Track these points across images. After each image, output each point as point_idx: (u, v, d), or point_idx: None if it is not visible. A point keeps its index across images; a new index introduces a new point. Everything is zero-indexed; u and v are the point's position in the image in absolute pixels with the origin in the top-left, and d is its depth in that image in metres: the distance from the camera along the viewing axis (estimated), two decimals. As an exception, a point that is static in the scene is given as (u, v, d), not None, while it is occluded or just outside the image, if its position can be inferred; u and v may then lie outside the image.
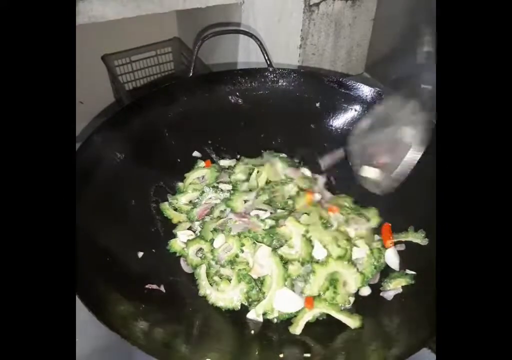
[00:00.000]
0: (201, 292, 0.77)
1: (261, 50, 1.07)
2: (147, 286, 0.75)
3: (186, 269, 0.83)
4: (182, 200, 0.93)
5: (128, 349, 0.59)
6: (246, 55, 1.40)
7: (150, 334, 0.64)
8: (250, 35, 1.07)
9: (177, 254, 0.84)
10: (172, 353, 0.63)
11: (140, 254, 0.80)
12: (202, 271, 0.79)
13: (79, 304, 0.57)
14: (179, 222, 0.90)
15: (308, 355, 0.67)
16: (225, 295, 0.76)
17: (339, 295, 0.74)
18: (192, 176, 0.96)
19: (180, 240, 0.85)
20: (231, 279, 0.78)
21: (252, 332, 0.73)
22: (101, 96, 1.85)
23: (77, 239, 0.58)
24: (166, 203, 0.92)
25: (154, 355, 0.58)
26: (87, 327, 0.62)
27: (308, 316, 0.73)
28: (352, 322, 0.71)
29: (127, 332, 0.60)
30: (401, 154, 0.78)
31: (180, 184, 0.96)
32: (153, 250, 0.83)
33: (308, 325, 0.73)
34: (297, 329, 0.72)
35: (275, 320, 0.75)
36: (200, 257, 0.82)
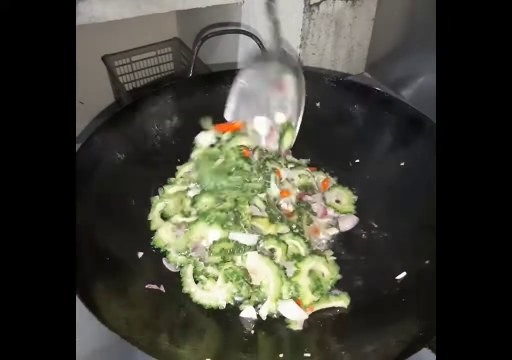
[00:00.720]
0: (185, 290, 0.77)
1: (261, 50, 1.07)
2: (147, 286, 0.75)
3: (170, 267, 0.81)
4: (169, 191, 0.91)
5: (128, 349, 0.59)
6: (246, 54, 1.40)
7: (150, 334, 0.64)
8: (250, 35, 1.07)
9: (161, 250, 0.83)
10: (172, 353, 0.63)
11: (140, 254, 0.80)
12: (188, 270, 0.79)
13: (79, 304, 0.57)
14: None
15: (308, 355, 0.67)
16: (210, 294, 0.76)
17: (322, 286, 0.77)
18: (183, 170, 0.94)
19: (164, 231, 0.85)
20: (217, 278, 0.77)
21: (252, 332, 0.73)
22: (101, 97, 1.84)
23: (77, 239, 0.58)
24: (157, 196, 0.91)
25: (154, 355, 0.58)
26: (87, 327, 0.62)
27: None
28: (344, 302, 0.75)
29: (127, 332, 0.60)
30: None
31: (172, 179, 0.95)
32: (153, 250, 0.83)
33: (308, 325, 0.73)
34: (297, 325, 0.73)
35: (275, 316, 0.75)
36: (185, 255, 0.81)
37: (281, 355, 0.67)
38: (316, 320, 0.74)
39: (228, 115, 0.92)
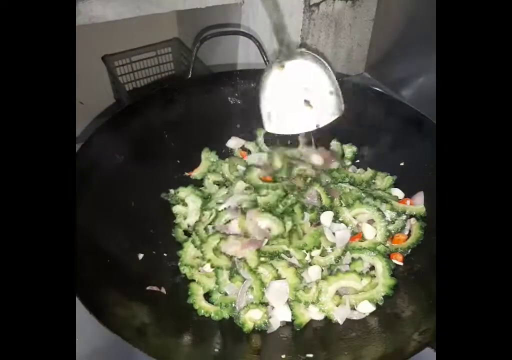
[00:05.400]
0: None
1: (260, 51, 1.07)
2: (148, 288, 0.75)
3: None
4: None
5: (128, 349, 0.59)
6: (246, 55, 1.40)
7: (151, 335, 0.64)
8: (249, 36, 1.06)
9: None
10: (172, 354, 0.63)
11: (141, 256, 0.80)
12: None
13: (79, 305, 0.57)
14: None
15: (310, 355, 0.67)
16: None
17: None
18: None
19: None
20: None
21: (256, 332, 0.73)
22: (101, 97, 1.84)
23: (77, 241, 0.58)
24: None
25: (154, 356, 0.58)
26: (87, 327, 0.62)
27: None
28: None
29: (128, 334, 0.60)
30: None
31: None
32: (154, 252, 0.83)
33: (309, 325, 0.74)
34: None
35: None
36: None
37: (283, 356, 0.67)
38: (315, 321, 0.75)
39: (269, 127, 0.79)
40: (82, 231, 0.67)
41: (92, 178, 0.80)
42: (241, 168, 0.97)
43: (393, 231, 0.84)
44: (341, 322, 0.73)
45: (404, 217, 0.86)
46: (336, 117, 0.77)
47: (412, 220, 0.86)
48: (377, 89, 0.99)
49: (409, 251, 0.82)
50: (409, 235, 0.85)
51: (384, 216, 0.83)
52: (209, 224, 0.85)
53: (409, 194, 0.90)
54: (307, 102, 0.76)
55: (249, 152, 1.03)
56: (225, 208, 0.86)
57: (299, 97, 0.76)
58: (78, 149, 0.79)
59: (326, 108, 0.77)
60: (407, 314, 0.71)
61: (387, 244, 0.83)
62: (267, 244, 0.80)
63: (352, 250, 0.81)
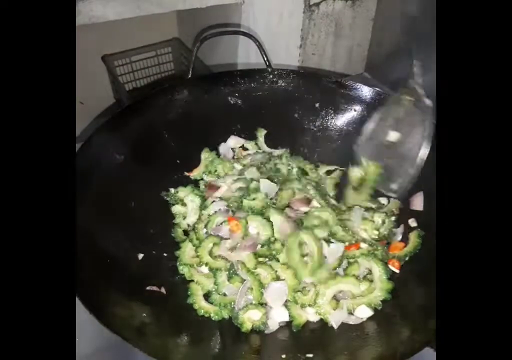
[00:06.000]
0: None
1: (260, 51, 1.07)
2: (148, 288, 0.75)
3: None
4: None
5: (128, 349, 0.59)
6: (246, 55, 1.40)
7: (151, 335, 0.64)
8: (249, 36, 1.06)
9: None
10: (172, 354, 0.63)
11: (140, 256, 0.80)
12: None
13: (80, 305, 0.57)
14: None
15: (310, 355, 0.67)
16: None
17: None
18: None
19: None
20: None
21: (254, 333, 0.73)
22: (101, 97, 1.84)
23: (77, 241, 0.58)
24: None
25: (154, 356, 0.58)
26: (87, 327, 0.62)
27: None
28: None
29: (128, 334, 0.60)
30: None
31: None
32: (153, 252, 0.82)
33: (309, 325, 0.74)
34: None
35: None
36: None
37: (283, 356, 0.67)
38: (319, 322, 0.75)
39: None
40: (82, 231, 0.67)
41: (92, 178, 0.80)
42: (238, 166, 0.96)
43: (385, 232, 0.84)
44: (335, 326, 0.73)
45: (393, 218, 0.88)
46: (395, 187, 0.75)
47: (411, 221, 0.87)
48: (377, 89, 0.98)
49: (406, 258, 0.81)
50: (406, 242, 0.84)
51: (372, 221, 0.85)
52: (204, 227, 0.85)
53: (409, 195, 0.90)
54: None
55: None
56: (215, 212, 0.85)
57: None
58: (78, 149, 0.78)
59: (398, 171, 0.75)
60: (407, 314, 0.71)
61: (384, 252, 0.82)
62: (262, 246, 0.80)
63: (348, 257, 0.80)
